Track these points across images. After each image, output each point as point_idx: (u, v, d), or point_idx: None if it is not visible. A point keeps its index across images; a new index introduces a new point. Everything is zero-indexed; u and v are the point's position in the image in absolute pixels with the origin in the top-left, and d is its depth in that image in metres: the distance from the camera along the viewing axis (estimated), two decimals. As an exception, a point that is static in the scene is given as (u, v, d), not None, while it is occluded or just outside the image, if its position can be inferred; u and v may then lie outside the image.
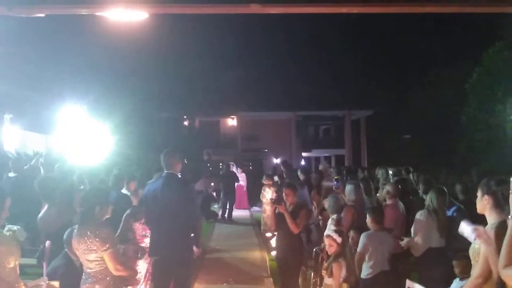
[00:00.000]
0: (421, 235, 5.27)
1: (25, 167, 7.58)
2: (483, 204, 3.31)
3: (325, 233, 4.81)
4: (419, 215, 5.37)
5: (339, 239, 4.55)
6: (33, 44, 13.99)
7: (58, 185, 5.45)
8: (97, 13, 4.47)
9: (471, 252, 3.34)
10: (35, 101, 12.87)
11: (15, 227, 5.10)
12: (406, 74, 28.36)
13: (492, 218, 3.24)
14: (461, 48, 23.02)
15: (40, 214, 5.17)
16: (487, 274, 3.11)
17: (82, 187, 6.26)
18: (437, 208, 5.33)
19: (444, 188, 5.68)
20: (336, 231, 4.70)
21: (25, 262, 5.99)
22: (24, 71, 13.03)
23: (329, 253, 4.62)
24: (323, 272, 4.58)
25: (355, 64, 31.82)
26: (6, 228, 4.63)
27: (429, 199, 5.37)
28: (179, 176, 5.25)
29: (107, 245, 3.74)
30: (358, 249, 4.87)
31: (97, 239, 3.71)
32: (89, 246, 3.72)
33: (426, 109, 23.81)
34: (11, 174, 7.20)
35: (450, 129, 21.32)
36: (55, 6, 4.39)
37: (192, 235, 5.15)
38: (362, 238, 4.89)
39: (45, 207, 5.26)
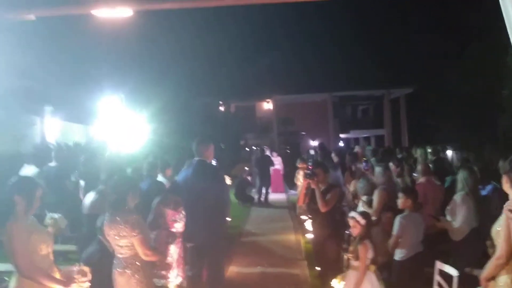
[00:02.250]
0: (461, 219, 5.18)
1: (65, 156, 7.88)
2: (505, 183, 3.26)
3: (349, 215, 4.78)
4: (458, 198, 5.27)
5: (362, 221, 4.51)
6: (71, 37, 14.37)
7: (99, 174, 5.65)
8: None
9: (493, 232, 3.28)
10: (74, 93, 13.25)
11: (56, 215, 5.35)
12: (445, 49, 27.34)
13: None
14: (501, 19, 21.94)
15: (88, 196, 5.38)
16: (509, 255, 3.06)
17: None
18: (471, 188, 5.22)
19: (475, 168, 5.54)
20: (360, 213, 4.67)
21: (66, 249, 6.32)
22: (63, 63, 13.44)
23: (353, 235, 4.61)
24: (349, 255, 4.57)
25: (393, 41, 31.00)
26: (48, 216, 4.86)
27: (462, 180, 5.25)
28: (210, 163, 5.34)
29: (136, 231, 3.88)
30: (395, 232, 4.82)
31: (127, 225, 3.86)
32: (119, 232, 3.87)
33: (466, 84, 22.97)
34: (52, 164, 7.50)
35: (493, 104, 20.52)
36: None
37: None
38: (398, 220, 4.84)
39: (95, 191, 5.49)
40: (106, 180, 5.52)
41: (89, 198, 5.52)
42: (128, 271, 3.91)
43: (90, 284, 3.60)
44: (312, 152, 11.48)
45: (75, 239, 6.49)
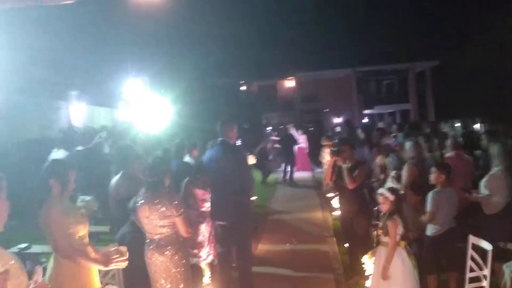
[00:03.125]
0: (499, 194, 5.09)
1: (91, 140, 8.00)
2: None
3: (378, 191, 4.74)
4: (494, 173, 5.16)
5: (391, 197, 4.46)
6: (94, 21, 14.46)
7: (130, 154, 5.69)
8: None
9: None
10: (99, 77, 13.41)
11: (87, 198, 5.46)
12: (470, 20, 26.54)
13: None
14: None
15: (113, 180, 5.44)
16: None
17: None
18: (506, 163, 5.11)
19: (505, 141, 5.42)
20: (389, 189, 4.61)
21: (99, 230, 6.47)
22: (87, 48, 13.56)
23: (383, 211, 4.57)
24: (379, 231, 4.55)
25: (416, 13, 30.22)
26: (79, 199, 4.98)
27: (495, 154, 5.13)
28: (234, 143, 5.38)
29: (181, 210, 3.99)
30: (428, 208, 4.77)
31: (172, 205, 3.96)
32: (163, 212, 3.95)
33: (494, 55, 22.32)
34: (79, 148, 7.64)
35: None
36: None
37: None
38: (431, 196, 4.78)
39: (119, 174, 5.53)
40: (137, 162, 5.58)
41: (114, 182, 5.55)
42: (169, 251, 4.00)
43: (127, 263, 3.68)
44: (338, 129, 11.37)
45: (108, 221, 6.63)
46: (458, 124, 12.13)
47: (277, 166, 16.46)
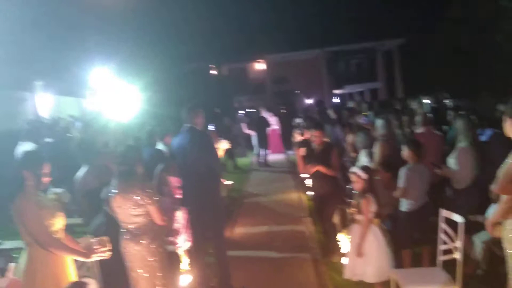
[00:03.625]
0: (466, 168, 5.18)
1: (58, 130, 7.81)
2: (508, 126, 3.23)
3: (350, 170, 4.81)
4: (460, 148, 5.27)
5: (364, 175, 4.53)
6: (57, 9, 14.02)
7: (95, 145, 5.58)
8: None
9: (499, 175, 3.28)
10: (65, 66, 13.06)
11: (58, 190, 5.35)
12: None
13: None
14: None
15: (79, 175, 5.33)
16: None
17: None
18: (471, 137, 5.22)
19: (470, 116, 5.55)
20: (361, 167, 4.68)
21: (73, 222, 6.35)
22: (51, 36, 13.17)
23: (356, 190, 4.64)
24: (353, 209, 4.62)
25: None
26: (50, 192, 4.87)
27: (460, 129, 5.25)
28: (200, 129, 5.35)
29: (154, 198, 3.95)
30: (401, 184, 4.85)
31: (145, 194, 3.90)
32: (136, 201, 3.90)
33: (459, 31, 22.71)
34: (48, 139, 7.45)
35: (487, 50, 20.36)
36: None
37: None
38: (404, 172, 4.86)
39: (84, 169, 5.42)
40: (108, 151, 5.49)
41: (81, 174, 5.43)
42: (145, 240, 3.96)
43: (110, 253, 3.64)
44: (298, 120, 11.37)
45: (80, 212, 6.53)
46: (426, 101, 12.34)
47: (243, 153, 16.47)
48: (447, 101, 11.77)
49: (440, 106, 10.93)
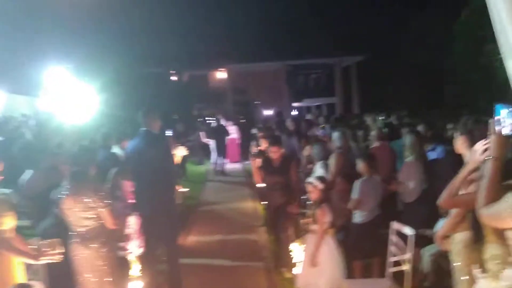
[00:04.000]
0: (413, 182, 5.33)
1: (10, 128, 7.56)
2: (459, 143, 3.37)
3: (306, 180, 4.88)
4: (408, 162, 5.43)
5: (320, 186, 4.61)
6: (12, 3, 13.57)
7: (42, 149, 5.42)
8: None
9: None
10: (18, 64, 12.64)
11: (7, 191, 5.13)
12: (395, 18, 27.84)
13: (467, 157, 3.29)
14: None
15: (25, 178, 5.14)
16: (464, 213, 3.19)
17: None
18: (419, 152, 5.41)
19: (418, 130, 5.76)
20: (317, 178, 4.75)
21: (20, 224, 6.10)
22: (3, 33, 12.72)
23: (311, 199, 4.70)
24: (308, 219, 4.68)
25: (344, 10, 31.16)
26: (-1, 192, 4.67)
27: (408, 144, 5.42)
28: (157, 133, 5.30)
29: (106, 201, 3.84)
30: (355, 196, 4.94)
31: (96, 197, 3.80)
32: (87, 203, 3.80)
33: (416, 52, 23.61)
34: (-1, 138, 7.19)
35: (440, 72, 21.24)
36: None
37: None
38: (358, 184, 4.96)
39: (30, 172, 5.24)
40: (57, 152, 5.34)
41: (26, 177, 5.26)
42: (94, 244, 3.86)
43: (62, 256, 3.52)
44: (254, 131, 11.43)
45: (28, 214, 6.29)
46: (381, 118, 12.71)
47: (200, 161, 16.38)
48: (403, 118, 12.15)
49: (394, 122, 11.28)
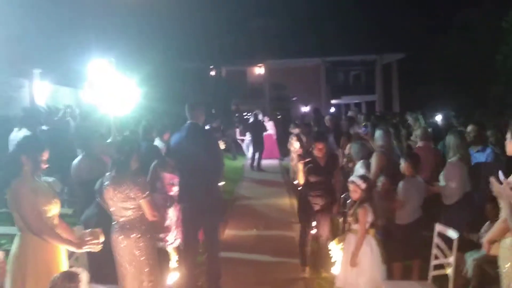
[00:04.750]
0: (454, 184, 5.14)
1: (55, 119, 7.77)
2: (509, 147, 3.22)
3: (349, 179, 4.77)
4: (451, 163, 5.26)
5: (363, 185, 4.50)
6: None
7: (92, 134, 5.54)
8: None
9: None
10: (64, 56, 12.98)
11: (50, 179, 5.27)
12: (438, 15, 27.11)
13: None
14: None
15: (74, 162, 5.29)
16: None
17: (109, 139, 6.34)
18: (462, 153, 5.22)
19: (462, 130, 5.56)
20: (360, 177, 4.65)
21: (63, 212, 6.27)
22: (51, 26, 13.09)
23: (353, 199, 4.61)
24: (349, 218, 4.59)
25: (385, 5, 30.56)
26: (42, 180, 4.80)
27: (451, 145, 5.24)
28: (203, 126, 5.31)
29: (146, 193, 3.88)
30: (400, 197, 4.84)
31: (137, 187, 3.84)
32: (127, 194, 3.84)
33: (459, 50, 22.90)
34: (44, 127, 7.39)
35: (485, 70, 20.52)
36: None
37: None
38: (402, 185, 4.85)
39: (80, 156, 5.38)
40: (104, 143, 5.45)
41: (75, 163, 5.38)
42: (134, 234, 3.90)
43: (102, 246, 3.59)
44: (291, 128, 11.25)
45: (72, 202, 6.47)
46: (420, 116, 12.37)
47: (234, 156, 16.46)
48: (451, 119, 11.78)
49: (435, 122, 10.99)
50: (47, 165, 3.45)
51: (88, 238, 3.51)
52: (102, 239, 3.58)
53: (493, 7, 20.42)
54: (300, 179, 5.78)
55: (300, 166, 5.71)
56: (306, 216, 5.85)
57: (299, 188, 6.32)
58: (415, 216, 4.89)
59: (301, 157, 5.89)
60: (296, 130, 10.64)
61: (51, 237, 3.33)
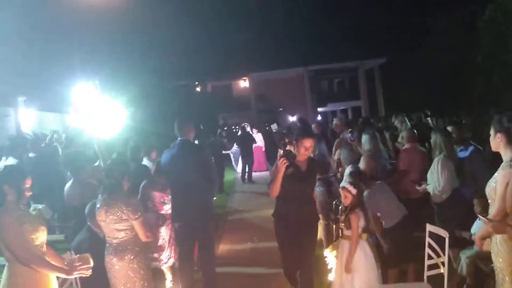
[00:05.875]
0: (442, 182, 5.19)
1: (42, 145, 7.73)
2: (496, 142, 3.28)
3: (340, 185, 4.80)
4: (437, 162, 5.32)
5: (354, 190, 4.53)
6: (41, 23, 13.94)
7: (79, 159, 5.52)
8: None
9: (487, 190, 3.32)
10: (48, 82, 12.95)
11: (40, 206, 5.23)
12: (417, 18, 27.52)
13: (507, 155, 3.20)
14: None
15: (66, 188, 5.28)
16: (505, 212, 3.10)
17: (97, 162, 6.33)
18: (448, 150, 5.29)
19: (448, 128, 5.65)
20: (351, 182, 4.68)
21: (54, 239, 6.23)
22: (34, 52, 13.07)
23: (345, 205, 4.63)
24: (341, 224, 4.61)
25: (364, 12, 30.99)
26: (31, 208, 4.77)
27: (437, 143, 5.31)
28: (194, 142, 5.31)
29: (139, 214, 3.88)
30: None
31: (129, 208, 3.85)
32: (120, 215, 3.84)
33: (439, 52, 23.24)
34: (31, 155, 7.35)
35: (466, 70, 20.84)
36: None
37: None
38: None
39: (70, 182, 5.36)
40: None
41: (68, 189, 5.38)
42: (128, 255, 3.90)
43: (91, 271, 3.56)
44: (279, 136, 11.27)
45: (62, 228, 6.42)
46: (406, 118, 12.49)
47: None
48: (428, 119, 11.94)
49: (425, 122, 11.10)
50: (30, 193, 3.42)
51: (78, 264, 3.48)
52: (91, 264, 3.56)
53: (467, 10, 20.85)
54: (274, 189, 4.53)
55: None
56: (286, 246, 4.77)
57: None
58: (397, 218, 4.91)
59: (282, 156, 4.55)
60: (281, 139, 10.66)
61: (40, 266, 3.30)
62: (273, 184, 4.53)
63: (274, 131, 15.86)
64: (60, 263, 3.57)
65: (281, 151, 7.45)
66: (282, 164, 4.41)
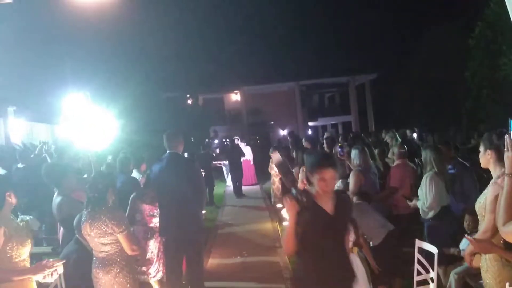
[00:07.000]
0: (431, 198, 5.20)
1: (31, 156, 7.66)
2: (486, 158, 3.31)
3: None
4: (427, 178, 5.34)
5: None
6: (32, 34, 13.92)
7: (65, 172, 5.45)
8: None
9: (477, 206, 3.33)
10: (38, 92, 12.89)
11: (27, 217, 5.14)
12: (407, 34, 27.95)
13: (496, 172, 3.23)
14: (461, 2, 22.60)
15: (54, 200, 5.22)
16: (495, 228, 3.11)
17: (85, 175, 6.27)
18: (439, 167, 5.31)
19: (439, 146, 5.70)
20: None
21: (41, 251, 6.14)
22: (25, 61, 13.02)
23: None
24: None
25: (355, 29, 31.42)
26: (19, 219, 4.70)
27: (428, 159, 5.33)
28: (182, 155, 5.30)
29: (123, 227, 3.84)
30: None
31: (113, 222, 3.81)
32: (104, 229, 3.80)
33: (429, 68, 23.55)
34: (19, 165, 7.27)
35: (456, 86, 21.14)
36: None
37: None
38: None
39: (55, 194, 5.30)
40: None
41: (56, 202, 5.31)
42: (114, 269, 3.85)
43: (62, 269, 3.44)
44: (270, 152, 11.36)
45: (50, 241, 6.33)
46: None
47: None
48: (414, 135, 12.04)
49: (411, 139, 11.19)
50: (14, 204, 3.36)
51: (44, 263, 3.36)
52: (60, 268, 3.43)
53: (459, 26, 21.17)
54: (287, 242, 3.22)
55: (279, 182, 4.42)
56: None
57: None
58: (383, 233, 4.91)
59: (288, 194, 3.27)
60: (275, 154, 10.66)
61: (6, 274, 3.21)
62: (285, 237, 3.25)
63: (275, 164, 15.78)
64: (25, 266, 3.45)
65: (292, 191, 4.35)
66: (290, 207, 3.14)
